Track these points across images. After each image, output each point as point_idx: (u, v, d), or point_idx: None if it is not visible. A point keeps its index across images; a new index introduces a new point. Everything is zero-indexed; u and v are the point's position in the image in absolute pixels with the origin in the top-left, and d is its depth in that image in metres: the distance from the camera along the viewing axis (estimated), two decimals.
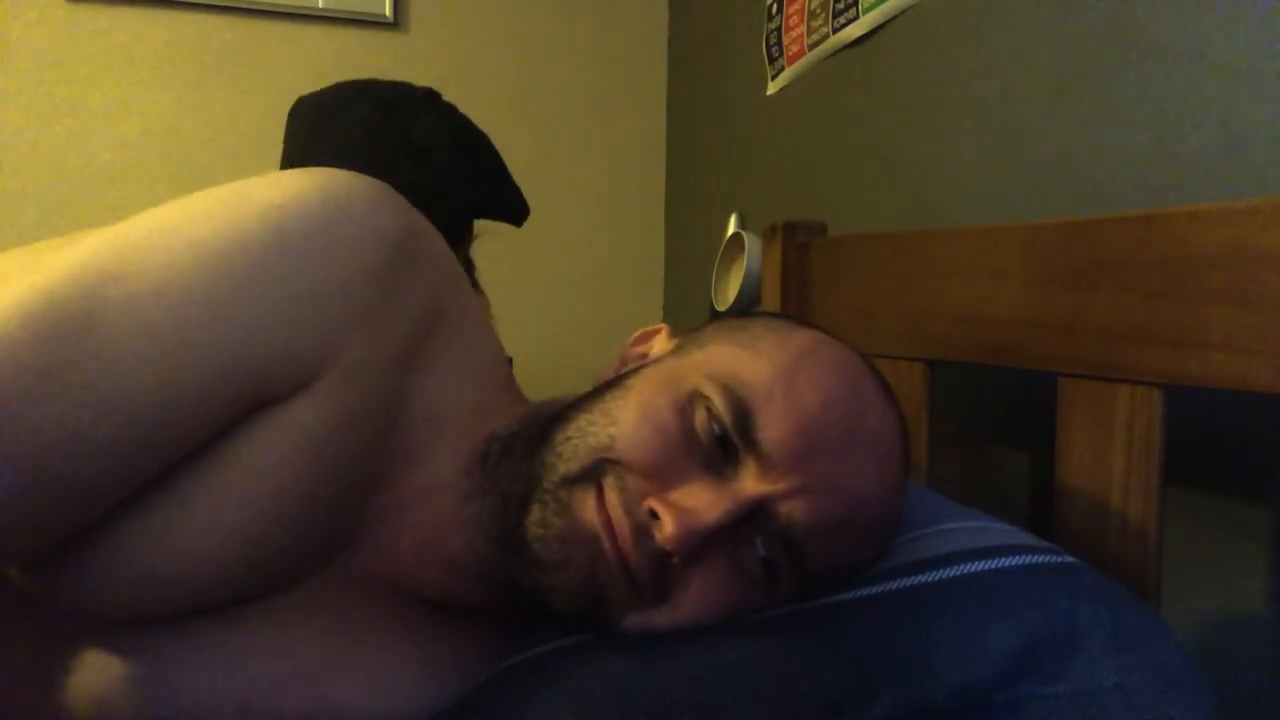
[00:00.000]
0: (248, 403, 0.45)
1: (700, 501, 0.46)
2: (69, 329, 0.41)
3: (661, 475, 0.47)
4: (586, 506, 0.46)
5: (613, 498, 0.46)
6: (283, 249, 0.45)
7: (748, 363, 0.50)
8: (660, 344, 0.58)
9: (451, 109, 1.05)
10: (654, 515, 0.45)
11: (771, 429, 0.47)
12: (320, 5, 1.87)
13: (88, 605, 0.46)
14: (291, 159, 0.99)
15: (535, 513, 0.47)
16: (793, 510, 0.47)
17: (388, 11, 1.90)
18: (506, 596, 0.50)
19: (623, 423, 0.48)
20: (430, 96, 1.03)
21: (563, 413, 0.52)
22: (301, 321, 0.45)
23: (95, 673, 0.48)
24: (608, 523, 0.46)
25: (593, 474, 0.47)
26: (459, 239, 1.03)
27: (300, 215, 0.46)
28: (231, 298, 0.43)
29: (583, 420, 0.50)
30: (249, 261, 0.44)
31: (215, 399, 0.43)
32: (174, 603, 0.47)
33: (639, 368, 0.54)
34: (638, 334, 0.60)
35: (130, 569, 0.45)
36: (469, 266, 1.10)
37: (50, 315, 0.41)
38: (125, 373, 0.41)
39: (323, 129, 0.98)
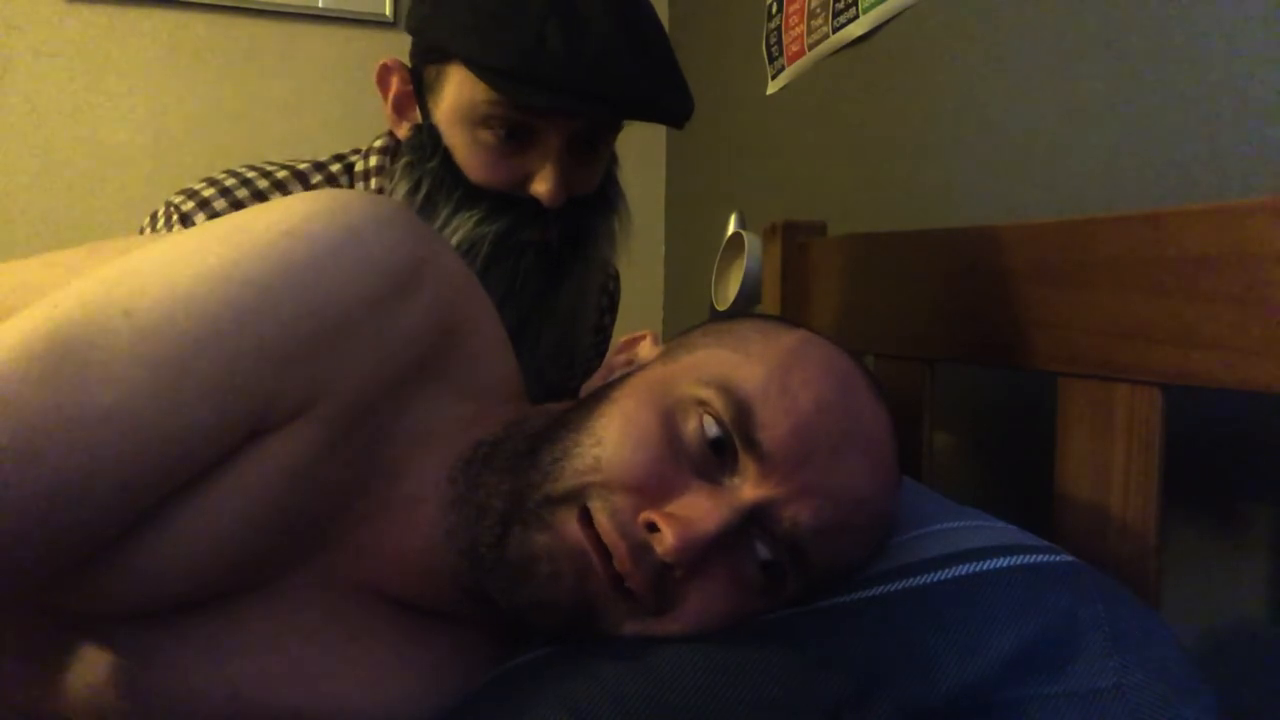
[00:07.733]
0: (246, 432, 0.45)
1: (698, 511, 0.45)
2: (74, 366, 0.41)
3: (653, 489, 0.46)
4: (570, 524, 0.46)
5: (603, 521, 0.45)
6: (289, 282, 0.45)
7: (739, 365, 0.49)
8: (646, 350, 0.57)
9: None
10: (653, 528, 0.45)
11: (772, 429, 0.47)
12: (320, 5, 1.87)
13: (81, 603, 0.46)
14: (417, 20, 0.84)
15: (518, 533, 0.47)
16: (798, 513, 0.47)
17: (388, 11, 1.90)
18: (483, 607, 0.50)
19: (608, 442, 0.48)
20: None
21: (549, 431, 0.51)
22: (303, 355, 0.45)
23: (89, 667, 0.49)
24: (595, 540, 0.45)
25: (577, 497, 0.47)
26: (599, 141, 0.85)
27: (309, 244, 0.46)
28: (236, 332, 0.44)
29: (569, 441, 0.49)
30: (255, 295, 0.45)
31: (215, 431, 0.44)
32: (157, 600, 0.47)
33: (625, 376, 0.53)
34: (622, 341, 0.59)
35: (115, 571, 0.45)
36: (613, 161, 0.92)
37: (52, 355, 0.41)
38: (130, 407, 0.41)
39: None
